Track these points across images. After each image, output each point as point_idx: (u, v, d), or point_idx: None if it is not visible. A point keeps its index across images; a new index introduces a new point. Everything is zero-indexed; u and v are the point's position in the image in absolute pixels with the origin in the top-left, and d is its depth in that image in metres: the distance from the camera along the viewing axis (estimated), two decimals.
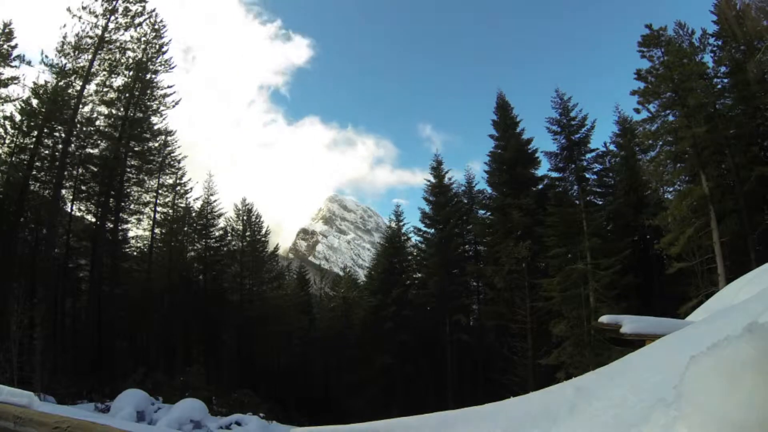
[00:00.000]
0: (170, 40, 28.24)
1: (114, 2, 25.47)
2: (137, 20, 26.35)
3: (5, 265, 20.41)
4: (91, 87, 25.36)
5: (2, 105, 23.72)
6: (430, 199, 31.56)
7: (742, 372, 1.25)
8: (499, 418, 4.24)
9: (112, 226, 26.60)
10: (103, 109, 26.19)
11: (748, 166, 19.04)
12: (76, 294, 26.57)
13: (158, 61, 27.68)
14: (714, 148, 19.56)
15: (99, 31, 24.99)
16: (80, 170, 25.93)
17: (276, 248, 39.32)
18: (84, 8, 24.59)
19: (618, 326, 6.51)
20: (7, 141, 23.84)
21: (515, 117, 28.40)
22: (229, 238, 33.08)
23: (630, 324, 6.39)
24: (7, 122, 23.68)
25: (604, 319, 7.06)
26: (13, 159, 23.57)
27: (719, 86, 21.10)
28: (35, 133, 24.09)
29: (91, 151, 26.49)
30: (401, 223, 34.52)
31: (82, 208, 26.52)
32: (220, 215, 32.43)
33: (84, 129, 25.41)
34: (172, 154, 29.81)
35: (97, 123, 26.12)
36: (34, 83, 24.43)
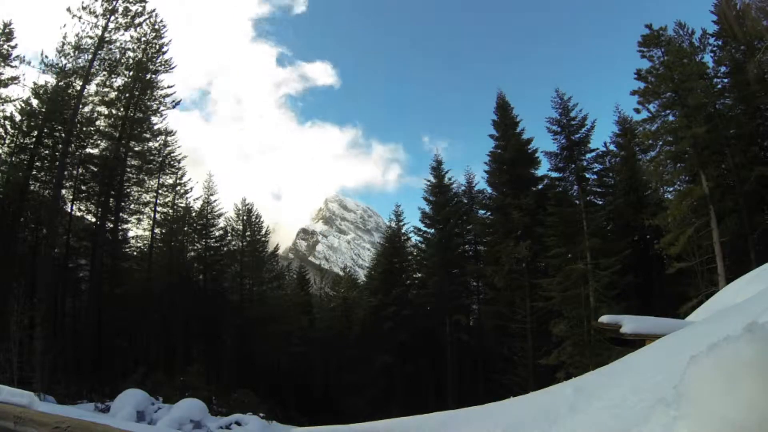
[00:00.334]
0: (170, 40, 28.27)
1: (114, 2, 25.47)
2: (137, 20, 26.37)
3: (5, 265, 20.41)
4: (91, 87, 25.39)
5: (2, 105, 23.75)
6: (430, 199, 31.56)
7: (741, 372, 1.25)
8: (499, 418, 4.24)
9: (112, 226, 26.60)
10: (103, 109, 26.21)
11: (748, 166, 19.04)
12: (76, 294, 26.56)
13: (158, 61, 27.70)
14: (714, 148, 19.57)
15: (99, 31, 24.99)
16: (80, 170, 25.93)
17: (276, 248, 39.32)
18: (84, 8, 24.60)
19: (618, 326, 6.52)
20: (7, 141, 23.85)
21: (515, 117, 28.38)
22: (229, 238, 33.08)
23: (630, 324, 6.40)
24: (7, 122, 23.69)
25: (604, 319, 7.07)
26: (13, 159, 23.58)
27: (719, 86, 21.12)
28: (35, 133, 24.10)
29: (91, 151, 26.53)
30: (401, 223, 34.54)
31: (82, 208, 26.53)
32: (220, 215, 32.44)
33: (84, 129, 25.42)
34: (172, 154, 29.82)
35: (97, 123, 26.14)
36: (34, 83, 24.50)
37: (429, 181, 32.08)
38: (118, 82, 26.32)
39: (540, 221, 23.43)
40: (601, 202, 24.96)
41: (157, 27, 27.32)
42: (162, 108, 28.37)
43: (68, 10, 24.30)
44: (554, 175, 25.94)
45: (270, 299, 32.48)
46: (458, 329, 28.60)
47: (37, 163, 24.38)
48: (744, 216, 18.60)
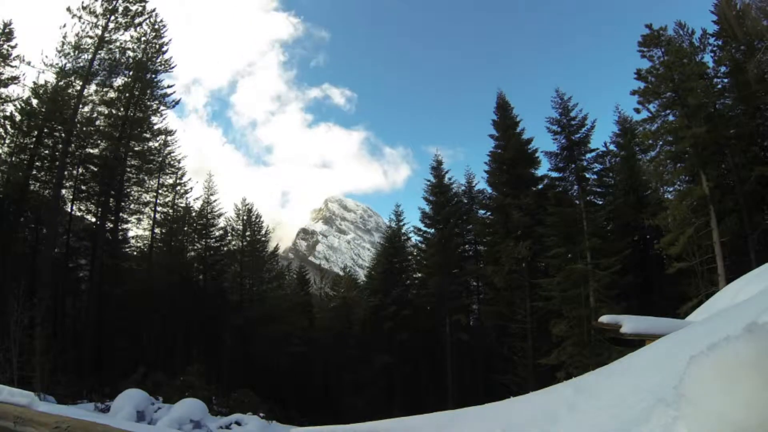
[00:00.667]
0: (170, 40, 28.30)
1: (114, 2, 25.47)
2: (137, 20, 26.37)
3: (5, 265, 20.42)
4: (91, 87, 25.39)
5: (2, 105, 23.74)
6: (430, 199, 31.55)
7: (741, 372, 1.25)
8: (499, 418, 4.24)
9: (112, 226, 26.62)
10: (103, 109, 26.20)
11: (748, 166, 19.03)
12: (76, 294, 26.56)
13: (158, 61, 27.72)
14: (714, 148, 19.55)
15: (99, 31, 24.99)
16: (80, 170, 25.96)
17: (276, 248, 39.31)
18: (84, 8, 24.61)
19: (618, 326, 6.50)
20: (7, 141, 23.87)
21: (515, 117, 28.38)
22: (229, 238, 33.08)
23: (630, 324, 6.38)
24: (7, 122, 23.71)
25: (604, 319, 7.05)
26: (13, 159, 23.60)
27: (719, 86, 21.08)
28: (35, 133, 24.11)
29: (91, 151, 26.52)
30: (401, 223, 34.55)
31: (82, 208, 26.56)
32: (220, 215, 32.45)
33: (84, 129, 25.40)
34: (172, 154, 29.87)
35: (97, 123, 26.12)
36: (34, 83, 24.49)
37: (429, 181, 32.11)
38: (118, 81, 26.38)
39: (540, 221, 23.42)
40: (601, 202, 24.94)
41: (157, 27, 27.35)
42: (162, 108, 28.43)
43: (68, 9, 24.34)
44: (554, 175, 25.95)
45: (270, 299, 32.47)
46: (458, 329, 28.57)
47: (37, 163, 24.39)
48: (744, 216, 18.59)
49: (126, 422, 10.62)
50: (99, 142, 26.48)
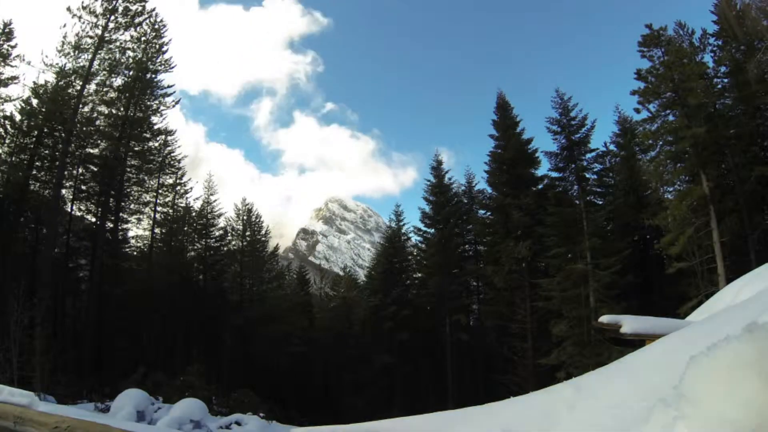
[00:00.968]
0: (170, 40, 28.31)
1: (114, 2, 25.48)
2: (137, 20, 26.38)
3: (5, 265, 20.42)
4: (91, 87, 25.39)
5: (2, 105, 23.76)
6: (430, 199, 31.56)
7: (741, 372, 1.25)
8: (499, 418, 4.23)
9: (112, 226, 26.62)
10: (103, 109, 26.22)
11: (748, 166, 19.03)
12: (76, 294, 26.55)
13: (158, 60, 27.73)
14: (714, 148, 19.54)
15: (99, 31, 24.99)
16: (80, 170, 25.97)
17: (276, 248, 39.31)
18: (84, 8, 24.62)
19: (618, 326, 6.50)
20: (7, 141, 23.88)
21: (515, 117, 28.38)
22: (229, 238, 33.09)
23: (630, 324, 6.38)
24: (7, 122, 23.73)
25: (604, 319, 7.04)
26: (13, 159, 23.61)
27: (719, 86, 21.08)
28: (35, 133, 24.13)
29: (91, 151, 26.54)
30: (401, 223, 34.55)
31: (82, 208, 26.57)
32: (220, 215, 32.47)
33: (84, 129, 25.41)
34: (172, 154, 29.88)
35: (97, 123, 26.13)
36: (34, 83, 24.50)
37: (429, 181, 32.12)
38: (118, 81, 26.39)
39: (540, 221, 23.43)
40: (601, 202, 24.95)
41: (157, 27, 27.36)
42: (162, 108, 28.43)
43: (68, 9, 24.36)
44: (554, 175, 25.94)
45: (270, 299, 32.48)
46: (458, 329, 28.58)
47: (37, 163, 24.40)
48: (744, 216, 18.59)
49: (126, 422, 10.60)
50: (99, 142, 26.50)
